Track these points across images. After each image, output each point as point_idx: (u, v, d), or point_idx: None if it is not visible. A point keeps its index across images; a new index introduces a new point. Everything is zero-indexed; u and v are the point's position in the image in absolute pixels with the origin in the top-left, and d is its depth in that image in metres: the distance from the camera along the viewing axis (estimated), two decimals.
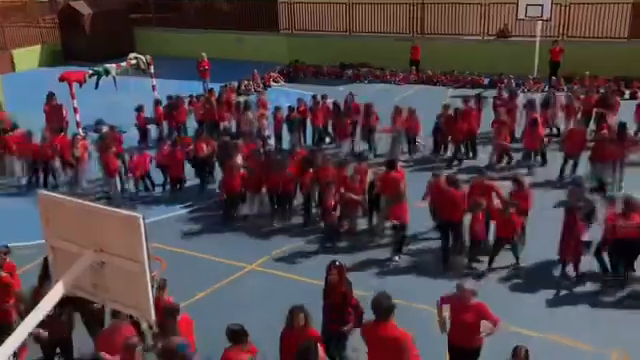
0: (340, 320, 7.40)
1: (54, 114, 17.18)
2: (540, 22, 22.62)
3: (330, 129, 17.02)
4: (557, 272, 10.01)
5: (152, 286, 4.67)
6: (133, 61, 19.19)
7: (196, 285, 9.94)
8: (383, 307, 6.20)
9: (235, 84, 23.03)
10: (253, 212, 12.70)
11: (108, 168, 13.56)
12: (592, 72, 21.40)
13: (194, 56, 23.59)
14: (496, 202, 10.49)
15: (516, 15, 23.13)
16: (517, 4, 22.75)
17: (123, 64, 18.96)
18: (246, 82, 24.01)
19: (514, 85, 21.91)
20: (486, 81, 23.13)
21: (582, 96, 17.14)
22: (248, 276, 10.51)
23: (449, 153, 15.63)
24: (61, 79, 17.42)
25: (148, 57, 19.55)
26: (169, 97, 18.16)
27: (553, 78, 22.54)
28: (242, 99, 19.62)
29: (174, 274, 9.13)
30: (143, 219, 4.33)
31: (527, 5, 22.37)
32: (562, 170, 13.86)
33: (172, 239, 11.76)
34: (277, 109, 16.77)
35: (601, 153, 12.96)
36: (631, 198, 9.69)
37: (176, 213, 13.21)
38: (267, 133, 16.52)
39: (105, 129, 15.76)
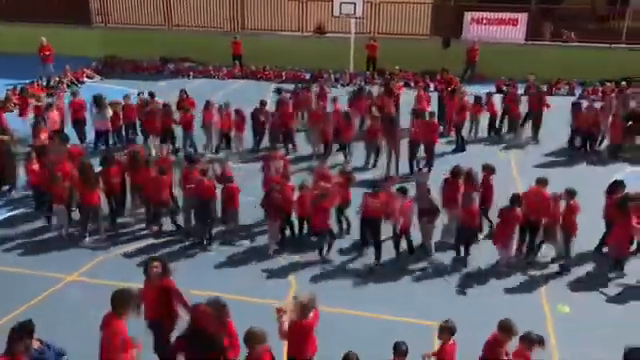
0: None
1: None
2: (354, 19, 23.91)
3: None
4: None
5: None
6: None
7: (6, 304, 8.99)
8: None
9: (44, 81, 21.32)
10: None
11: None
12: (401, 67, 23.13)
13: None
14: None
15: (331, 12, 24.20)
16: (332, 2, 23.80)
17: None
18: (57, 78, 22.24)
19: (333, 80, 23.03)
20: (307, 76, 23.89)
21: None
22: (68, 288, 9.76)
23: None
24: None
25: None
26: None
27: (367, 73, 24.00)
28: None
29: None
30: None
31: (341, 3, 23.52)
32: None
33: None
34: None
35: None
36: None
37: None
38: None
39: None
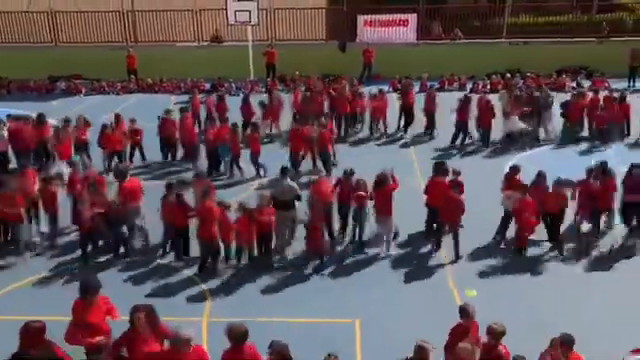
0: None
1: None
2: (250, 27, 23.89)
3: None
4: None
5: None
6: None
7: None
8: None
9: None
10: None
11: None
12: (301, 72, 23.40)
13: None
14: None
15: (227, 21, 24.06)
16: (226, 10, 23.66)
17: None
18: None
19: (235, 88, 22.92)
20: (207, 86, 23.61)
21: None
22: None
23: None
24: None
25: None
26: None
27: (268, 80, 24.06)
28: None
29: None
30: None
31: (236, 11, 23.44)
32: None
33: None
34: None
35: None
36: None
37: None
38: None
39: None
